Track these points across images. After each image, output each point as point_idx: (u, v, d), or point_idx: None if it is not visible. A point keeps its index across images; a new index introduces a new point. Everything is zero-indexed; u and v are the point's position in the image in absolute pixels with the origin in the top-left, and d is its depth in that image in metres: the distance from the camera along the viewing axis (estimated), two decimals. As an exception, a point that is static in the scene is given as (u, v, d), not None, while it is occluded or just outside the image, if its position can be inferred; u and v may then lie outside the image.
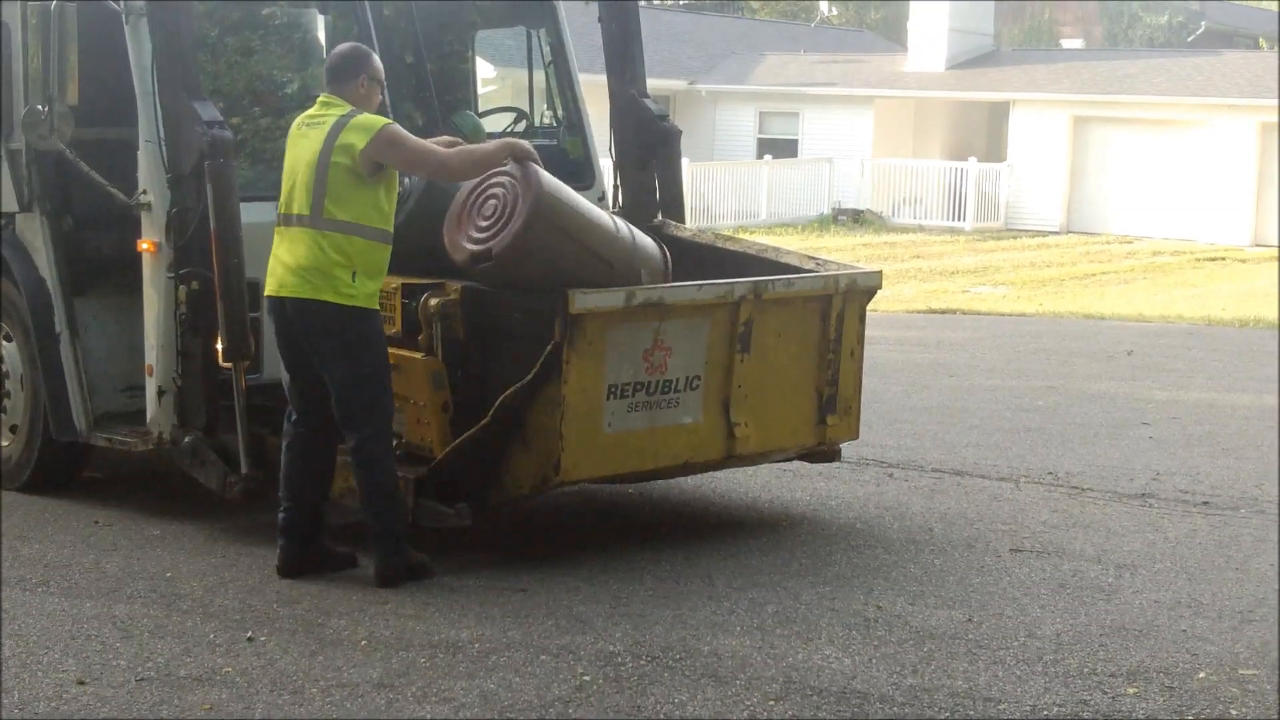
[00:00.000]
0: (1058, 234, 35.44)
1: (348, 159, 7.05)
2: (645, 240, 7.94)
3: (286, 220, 7.20)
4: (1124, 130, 36.07)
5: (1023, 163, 36.72)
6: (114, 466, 9.49)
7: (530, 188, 7.35)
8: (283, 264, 7.19)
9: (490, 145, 7.54)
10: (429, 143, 7.41)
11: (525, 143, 7.53)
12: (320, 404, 7.26)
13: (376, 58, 7.45)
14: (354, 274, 7.08)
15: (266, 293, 7.31)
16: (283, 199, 7.24)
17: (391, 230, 7.25)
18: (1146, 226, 35.18)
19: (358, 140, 7.05)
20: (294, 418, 7.37)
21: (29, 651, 6.37)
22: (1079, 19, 56.47)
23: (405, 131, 7.31)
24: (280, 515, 7.39)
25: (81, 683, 6.01)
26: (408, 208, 7.86)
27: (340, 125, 7.11)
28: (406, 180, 7.95)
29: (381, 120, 7.19)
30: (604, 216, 7.79)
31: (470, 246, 7.43)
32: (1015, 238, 34.29)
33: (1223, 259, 30.27)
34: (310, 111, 7.31)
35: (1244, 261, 29.82)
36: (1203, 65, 37.33)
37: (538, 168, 7.43)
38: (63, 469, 9.11)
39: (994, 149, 38.19)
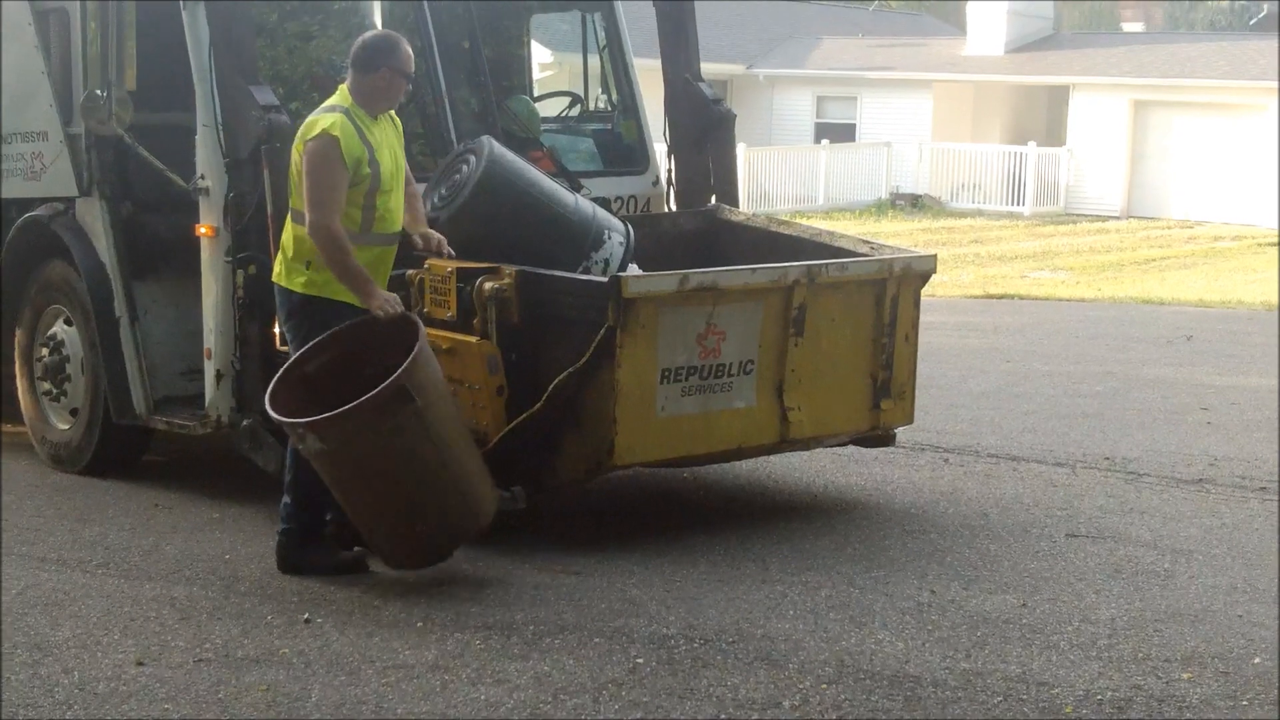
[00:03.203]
0: (1118, 219, 35.20)
1: (297, 150, 7.15)
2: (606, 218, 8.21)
3: None
4: (1185, 114, 35.78)
5: (1082, 147, 36.48)
6: (174, 450, 9.57)
7: (481, 163, 7.75)
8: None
9: (364, 285, 7.04)
10: (336, 199, 6.98)
11: (398, 309, 7.11)
12: None
13: (406, 48, 7.26)
14: (308, 263, 7.12)
15: None
16: None
17: (358, 230, 7.11)
18: (1207, 211, 34.89)
19: (300, 136, 7.13)
20: None
21: (89, 632, 6.44)
22: (1140, 2, 56.02)
23: (332, 160, 6.94)
24: (281, 506, 7.31)
25: (140, 663, 6.08)
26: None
27: (307, 119, 7.20)
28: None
29: (321, 128, 6.99)
30: (561, 196, 7.99)
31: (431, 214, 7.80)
32: (1075, 222, 34.07)
33: (1284, 243, 29.99)
34: None
35: (1306, 246, 29.54)
36: (1264, 49, 36.89)
37: (499, 149, 7.90)
38: (123, 452, 9.19)
39: (1054, 133, 37.95)
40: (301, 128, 7.18)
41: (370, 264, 7.20)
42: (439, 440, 6.89)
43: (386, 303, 7.07)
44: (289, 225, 7.25)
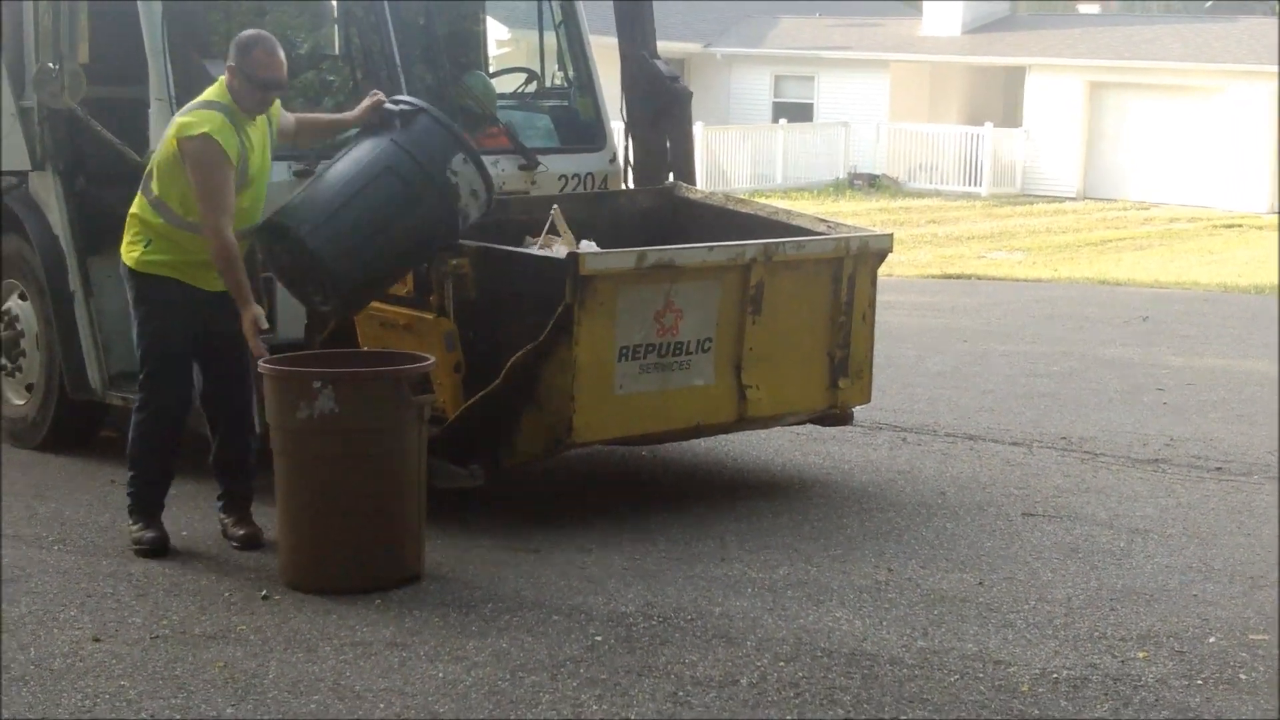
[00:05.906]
0: (1074, 200, 35.33)
1: (170, 144, 7.02)
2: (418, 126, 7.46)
3: None
4: (1140, 96, 35.91)
5: (1039, 128, 36.58)
6: (129, 425, 9.49)
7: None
8: None
9: (246, 295, 6.97)
10: (227, 203, 6.91)
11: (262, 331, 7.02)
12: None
13: (262, 50, 7.01)
14: (148, 241, 7.11)
15: None
16: None
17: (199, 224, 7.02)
18: (1163, 192, 35.04)
19: (172, 132, 7.01)
20: None
21: (45, 608, 6.41)
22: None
23: (217, 162, 6.87)
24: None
25: (97, 639, 6.05)
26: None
27: (180, 111, 7.14)
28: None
29: (202, 130, 6.86)
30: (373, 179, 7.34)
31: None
32: (1031, 203, 34.19)
33: (1239, 225, 30.15)
34: None
35: (1261, 228, 29.68)
36: (1219, 31, 37.13)
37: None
38: (79, 428, 9.16)
39: (1010, 114, 38.04)
40: (178, 121, 7.01)
41: (185, 247, 7.16)
42: (419, 465, 6.81)
43: (257, 320, 6.94)
44: (140, 204, 7.15)
